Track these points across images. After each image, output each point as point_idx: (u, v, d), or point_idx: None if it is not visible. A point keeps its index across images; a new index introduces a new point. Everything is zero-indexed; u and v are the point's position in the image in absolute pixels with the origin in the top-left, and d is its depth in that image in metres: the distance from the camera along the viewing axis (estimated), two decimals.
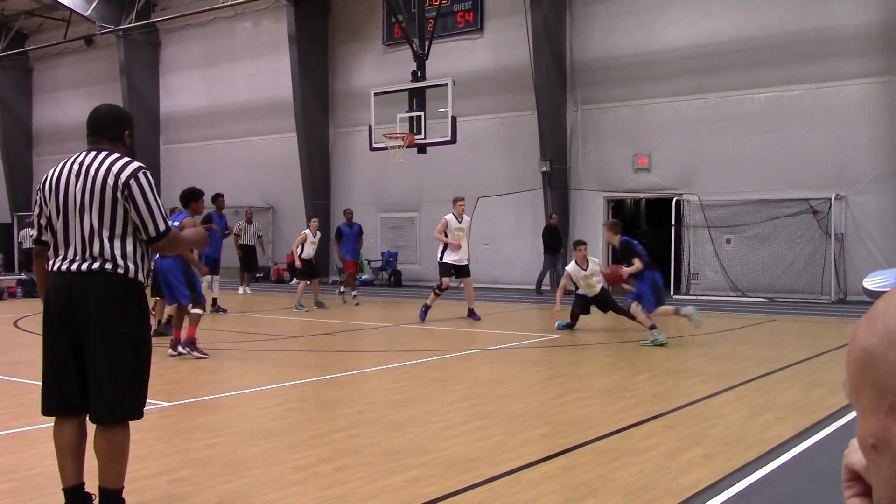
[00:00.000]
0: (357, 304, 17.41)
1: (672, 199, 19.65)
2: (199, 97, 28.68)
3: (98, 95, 30.56)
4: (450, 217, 14.42)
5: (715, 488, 4.74)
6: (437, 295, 14.14)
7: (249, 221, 21.09)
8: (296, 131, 25.19)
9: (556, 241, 20.02)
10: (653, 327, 11.01)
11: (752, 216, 18.63)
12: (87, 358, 3.92)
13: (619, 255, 11.30)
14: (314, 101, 25.25)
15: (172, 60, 29.62)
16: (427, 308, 14.01)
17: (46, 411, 4.08)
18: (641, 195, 21.14)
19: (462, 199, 15.03)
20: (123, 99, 28.71)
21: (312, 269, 17.00)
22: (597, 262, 12.98)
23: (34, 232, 4.20)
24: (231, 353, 10.53)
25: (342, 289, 17.85)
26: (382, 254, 24.17)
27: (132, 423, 4.07)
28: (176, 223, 9.92)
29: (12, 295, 19.74)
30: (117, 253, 3.95)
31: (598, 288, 12.68)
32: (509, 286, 21.75)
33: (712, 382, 8.20)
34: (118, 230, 3.96)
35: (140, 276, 4.05)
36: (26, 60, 34.15)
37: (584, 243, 12.84)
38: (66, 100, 32.49)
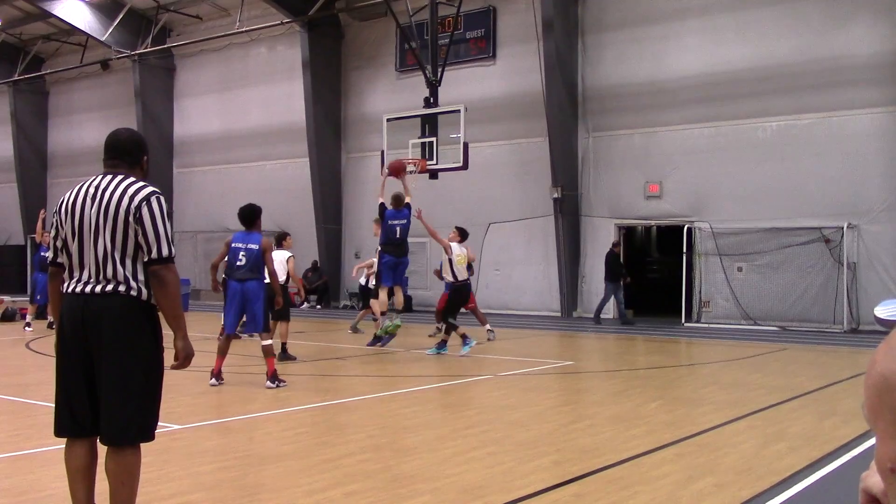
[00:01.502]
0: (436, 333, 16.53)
1: (683, 226, 19.64)
2: (212, 122, 28.91)
3: (113, 119, 30.89)
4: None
5: None
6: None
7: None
8: (308, 156, 25.34)
9: (619, 269, 19.65)
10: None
11: (764, 244, 18.59)
12: (99, 379, 3.94)
13: None
14: (327, 126, 25.41)
15: (187, 85, 29.90)
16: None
17: (58, 433, 4.09)
18: (652, 222, 21.13)
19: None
20: (138, 123, 28.95)
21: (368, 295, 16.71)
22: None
23: (50, 254, 4.24)
24: (242, 377, 10.52)
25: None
26: None
27: (143, 446, 4.07)
28: (253, 246, 9.57)
29: (25, 317, 19.80)
30: (130, 275, 3.98)
31: None
32: (520, 312, 21.71)
33: (724, 411, 8.15)
34: (131, 253, 3.99)
35: (154, 300, 4.07)
36: (42, 84, 34.52)
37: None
38: (81, 123, 32.80)
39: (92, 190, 4.05)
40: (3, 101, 34.68)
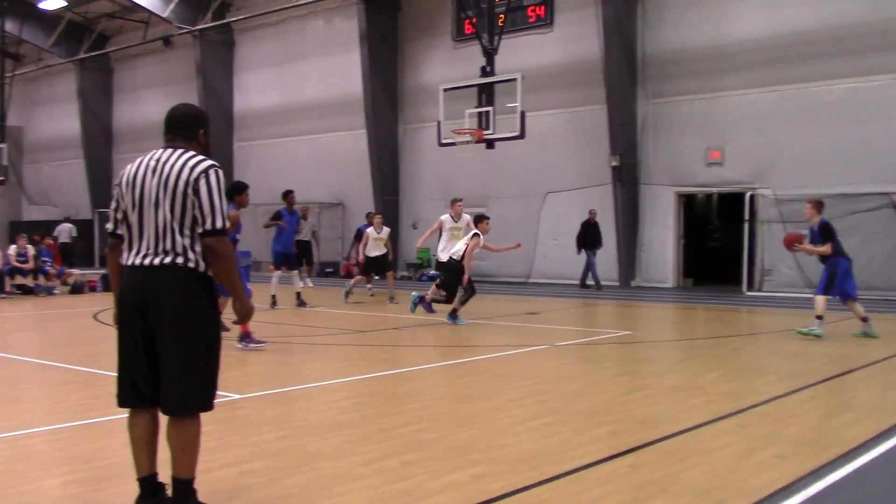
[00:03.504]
0: (372, 296, 17.64)
1: (745, 193, 19.24)
2: (271, 95, 29.15)
3: (175, 95, 31.38)
4: (445, 217, 14.73)
5: (789, 490, 4.63)
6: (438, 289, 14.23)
7: (305, 218, 21.61)
8: (365, 128, 25.41)
9: (596, 237, 20.38)
10: (818, 317, 11.15)
11: (830, 211, 17.81)
12: (159, 351, 4.03)
13: (815, 236, 11.56)
14: (384, 97, 25.42)
15: (246, 59, 30.18)
16: (424, 299, 14.08)
17: (121, 403, 4.20)
18: (713, 190, 20.76)
19: (460, 199, 15.21)
20: (199, 98, 29.37)
21: (382, 265, 17.10)
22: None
23: (110, 225, 4.33)
24: (301, 347, 10.68)
25: (368, 285, 18.07)
26: None
27: (204, 415, 4.15)
28: None
29: (93, 289, 20.38)
30: (189, 247, 4.04)
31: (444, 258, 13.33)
32: (578, 282, 21.58)
33: (786, 381, 8.00)
34: (189, 225, 4.05)
35: (210, 271, 4.13)
36: (107, 61, 35.18)
37: (486, 217, 13.50)
38: (145, 99, 33.38)
39: (153, 163, 4.13)
40: (70, 79, 35.46)
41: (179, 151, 4.15)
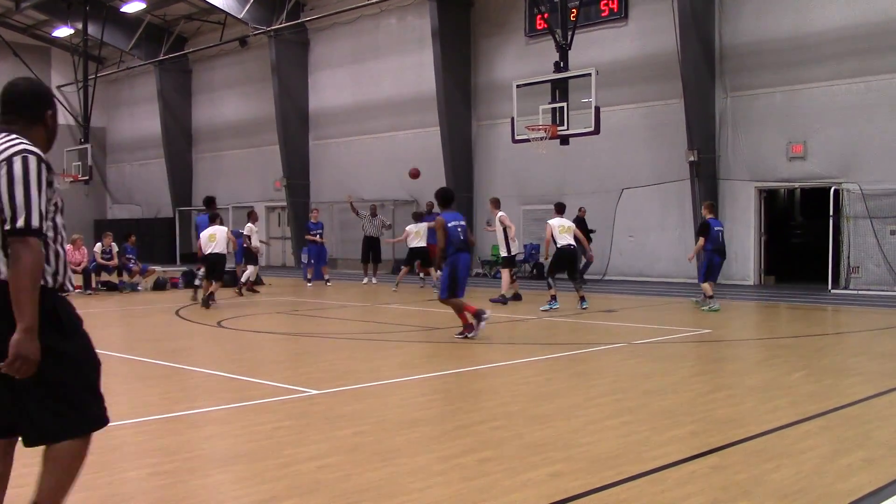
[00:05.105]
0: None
1: (830, 188, 18.66)
2: (345, 94, 29.45)
3: (251, 95, 32.03)
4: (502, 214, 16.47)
5: (879, 495, 4.47)
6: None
7: (374, 215, 22.09)
8: (439, 125, 25.46)
9: (585, 232, 20.26)
10: (710, 297, 14.19)
11: None
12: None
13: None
14: (457, 94, 25.44)
15: (320, 59, 30.54)
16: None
17: None
18: (796, 185, 20.21)
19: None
20: (275, 97, 29.88)
21: (422, 256, 18.44)
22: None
23: None
24: (377, 344, 10.76)
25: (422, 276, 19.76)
26: (525, 246, 24.09)
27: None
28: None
29: (175, 286, 20.89)
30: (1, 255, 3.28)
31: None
32: (655, 279, 21.28)
33: (875, 382, 7.73)
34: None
35: (49, 280, 3.36)
36: (186, 63, 35.99)
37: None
38: (222, 99, 34.07)
39: None
40: (151, 81, 36.43)
41: (3, 136, 3.36)
